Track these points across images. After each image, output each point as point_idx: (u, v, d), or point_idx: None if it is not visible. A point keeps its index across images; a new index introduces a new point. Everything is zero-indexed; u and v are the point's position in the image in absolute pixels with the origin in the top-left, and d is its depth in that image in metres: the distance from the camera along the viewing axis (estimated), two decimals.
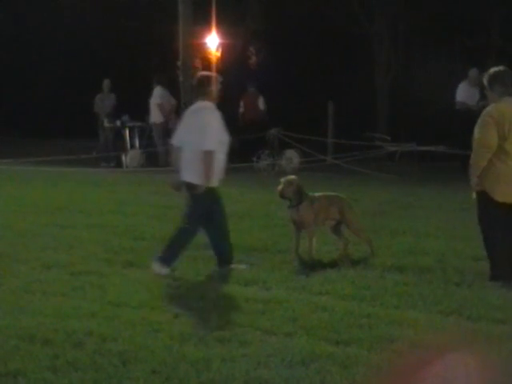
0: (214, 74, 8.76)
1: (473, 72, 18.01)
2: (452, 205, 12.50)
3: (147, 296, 7.19)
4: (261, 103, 20.21)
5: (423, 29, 23.73)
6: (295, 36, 24.78)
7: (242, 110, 20.48)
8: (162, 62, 25.21)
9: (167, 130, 19.65)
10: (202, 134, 8.11)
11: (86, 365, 5.39)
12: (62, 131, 25.43)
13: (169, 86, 20.36)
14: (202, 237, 8.49)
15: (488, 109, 7.80)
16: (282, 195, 8.76)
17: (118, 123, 20.16)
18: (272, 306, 6.86)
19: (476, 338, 5.78)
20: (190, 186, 8.22)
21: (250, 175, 17.45)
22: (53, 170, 17.59)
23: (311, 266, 8.38)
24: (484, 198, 7.75)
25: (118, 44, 27.08)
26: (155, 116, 19.75)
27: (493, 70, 7.91)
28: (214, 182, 8.25)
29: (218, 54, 22.65)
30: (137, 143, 20.21)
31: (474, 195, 7.89)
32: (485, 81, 7.92)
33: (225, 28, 22.64)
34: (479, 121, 7.78)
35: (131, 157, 19.76)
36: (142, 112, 20.35)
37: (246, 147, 18.40)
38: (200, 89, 8.40)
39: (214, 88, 8.38)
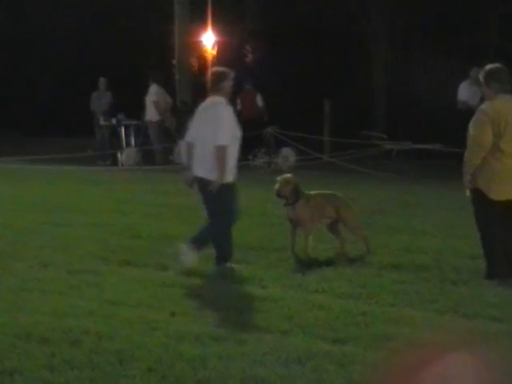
0: (227, 69, 8.65)
1: (474, 71, 17.97)
2: (449, 203, 12.48)
3: (144, 294, 7.19)
4: (259, 100, 20.12)
5: (421, 27, 23.71)
6: (292, 35, 24.74)
7: (239, 107, 20.40)
8: (159, 61, 25.16)
9: (163, 128, 19.67)
10: (216, 129, 8.10)
11: (82, 363, 5.39)
12: (61, 130, 25.41)
13: (164, 84, 20.31)
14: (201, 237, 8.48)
15: (483, 106, 7.75)
16: (279, 194, 8.75)
17: (114, 121, 20.12)
18: (268, 304, 6.87)
19: (472, 336, 5.79)
20: (204, 182, 8.16)
21: (246, 173, 17.37)
22: (50, 168, 17.58)
23: (307, 264, 8.39)
24: (479, 197, 7.74)
25: (116, 43, 27.06)
26: (151, 114, 19.62)
27: (489, 66, 7.86)
28: (229, 178, 8.21)
29: (214, 52, 22.62)
30: (132, 141, 20.14)
31: (468, 193, 7.88)
32: (481, 77, 7.87)
33: (221, 26, 22.63)
34: (474, 118, 7.73)
35: (127, 155, 19.69)
36: (137, 110, 20.28)
37: (242, 145, 18.30)
38: (214, 84, 8.37)
39: (228, 84, 8.38)
